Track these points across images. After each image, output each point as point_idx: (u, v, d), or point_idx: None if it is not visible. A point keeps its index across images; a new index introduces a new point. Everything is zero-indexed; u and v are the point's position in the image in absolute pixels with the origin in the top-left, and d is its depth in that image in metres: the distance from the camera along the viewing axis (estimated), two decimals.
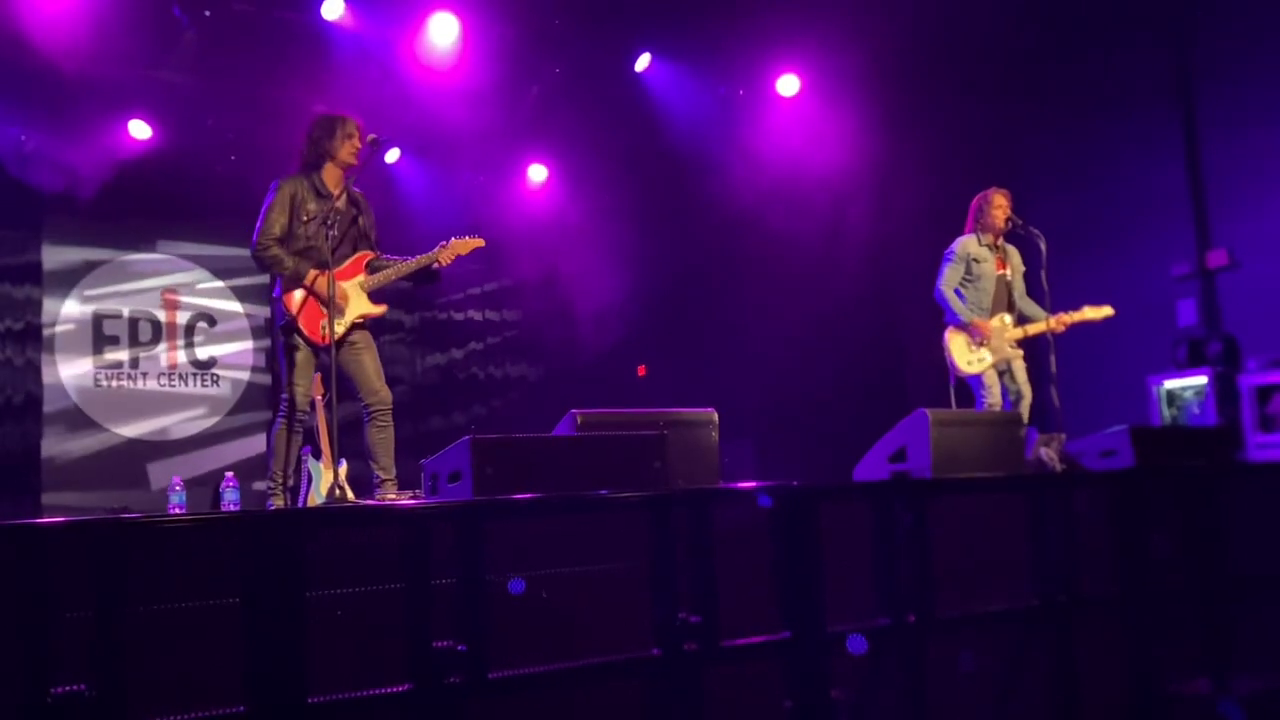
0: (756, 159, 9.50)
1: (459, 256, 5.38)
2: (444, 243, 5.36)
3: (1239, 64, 8.53)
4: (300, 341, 5.15)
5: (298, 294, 5.16)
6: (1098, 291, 6.63)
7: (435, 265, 5.35)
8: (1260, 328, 8.34)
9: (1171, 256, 8.94)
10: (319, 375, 5.63)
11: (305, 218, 5.18)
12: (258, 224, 5.21)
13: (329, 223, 5.07)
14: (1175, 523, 4.51)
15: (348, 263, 5.29)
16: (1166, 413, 8.55)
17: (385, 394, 5.26)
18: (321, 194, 5.25)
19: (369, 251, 5.38)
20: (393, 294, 5.62)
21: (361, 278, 5.30)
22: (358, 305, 5.26)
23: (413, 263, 5.34)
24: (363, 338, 5.30)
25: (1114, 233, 9.17)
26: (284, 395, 5.19)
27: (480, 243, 5.44)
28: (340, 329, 5.14)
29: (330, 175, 5.31)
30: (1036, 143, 9.69)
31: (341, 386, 4.98)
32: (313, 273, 5.15)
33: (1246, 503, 4.74)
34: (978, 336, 6.42)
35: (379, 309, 5.34)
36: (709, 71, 9.38)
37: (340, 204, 5.24)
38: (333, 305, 4.94)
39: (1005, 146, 9.65)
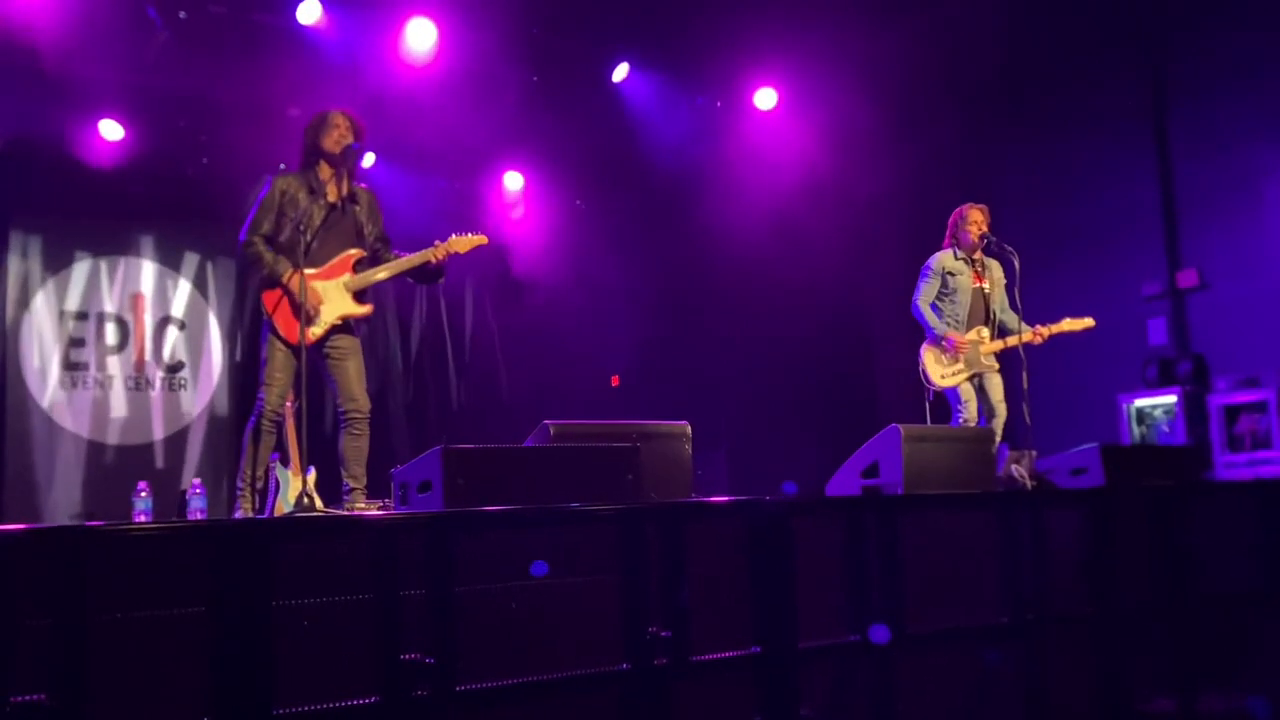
0: (733, 171, 9.52)
1: (456, 254, 5.26)
2: (439, 240, 5.25)
3: (1212, 85, 8.62)
4: (279, 341, 5.06)
5: (276, 293, 5.07)
6: (1070, 309, 6.65)
7: (431, 263, 5.24)
8: (1229, 348, 8.42)
9: (1142, 276, 9.02)
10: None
11: (293, 214, 5.09)
12: (247, 219, 5.13)
13: (301, 226, 4.96)
14: (1144, 541, 4.54)
15: (333, 261, 5.16)
16: (1136, 431, 8.61)
17: (364, 402, 5.15)
18: (314, 190, 5.15)
19: (358, 250, 5.23)
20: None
21: (347, 277, 5.16)
22: (340, 305, 5.12)
23: (403, 261, 5.24)
24: (349, 343, 5.19)
25: (1086, 251, 9.24)
26: (260, 393, 5.08)
27: (482, 240, 5.32)
28: (320, 330, 5.05)
29: (325, 172, 5.23)
30: (1011, 160, 9.76)
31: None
32: (291, 272, 5.02)
33: (1214, 522, 4.77)
34: (951, 349, 6.44)
35: (363, 309, 5.19)
36: (687, 83, 9.38)
37: (330, 197, 5.16)
38: (303, 311, 4.87)
39: (980, 163, 9.72)
